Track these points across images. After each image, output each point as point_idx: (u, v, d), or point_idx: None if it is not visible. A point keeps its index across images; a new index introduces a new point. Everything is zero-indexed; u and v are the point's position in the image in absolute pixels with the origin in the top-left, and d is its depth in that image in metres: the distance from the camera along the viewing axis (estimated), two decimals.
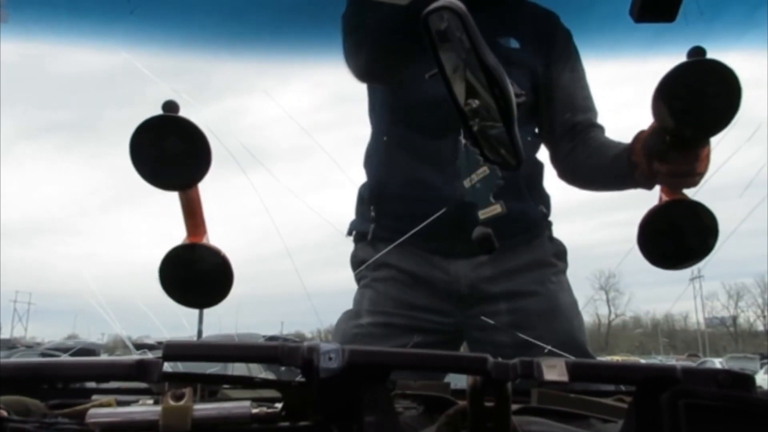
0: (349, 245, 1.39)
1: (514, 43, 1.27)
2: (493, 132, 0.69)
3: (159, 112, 0.78)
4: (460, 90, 0.67)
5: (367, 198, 1.35)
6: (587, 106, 1.35)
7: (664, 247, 0.87)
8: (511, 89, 0.63)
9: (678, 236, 0.86)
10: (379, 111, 1.36)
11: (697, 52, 0.76)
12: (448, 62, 0.66)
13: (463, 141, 1.13)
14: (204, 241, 0.85)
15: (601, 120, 1.36)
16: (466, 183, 1.16)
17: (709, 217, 0.83)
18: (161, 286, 0.83)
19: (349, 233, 1.40)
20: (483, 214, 1.13)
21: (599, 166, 1.24)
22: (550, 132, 1.34)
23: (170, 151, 0.79)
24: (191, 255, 0.84)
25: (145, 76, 0.90)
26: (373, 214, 1.32)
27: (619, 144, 1.20)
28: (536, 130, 1.36)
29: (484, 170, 1.14)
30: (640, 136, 1.03)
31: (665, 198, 0.89)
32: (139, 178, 0.78)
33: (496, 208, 1.11)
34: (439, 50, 0.65)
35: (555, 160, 1.37)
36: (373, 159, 1.37)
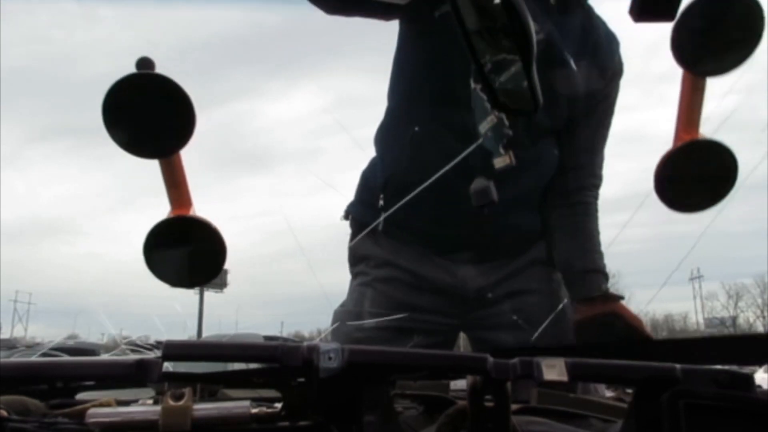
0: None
1: (573, 63, 1.21)
2: (508, 75, 0.64)
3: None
4: (473, 24, 0.61)
5: (379, 186, 1.26)
6: (597, 148, 1.33)
7: (684, 191, 0.83)
8: (532, 23, 0.58)
9: (697, 177, 0.82)
10: (410, 98, 1.28)
11: None
12: None
13: (473, 85, 1.09)
14: (191, 213, 0.78)
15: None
16: (481, 128, 1.13)
17: (726, 154, 0.79)
18: (148, 266, 0.76)
19: (346, 217, 1.35)
20: (497, 163, 1.11)
21: (563, 262, 1.29)
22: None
23: (148, 114, 0.71)
24: (179, 228, 0.77)
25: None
26: (381, 203, 1.25)
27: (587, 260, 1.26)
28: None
29: (492, 119, 1.10)
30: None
31: (680, 139, 0.84)
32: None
33: (506, 159, 1.08)
34: None
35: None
36: (394, 147, 1.27)
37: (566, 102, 1.23)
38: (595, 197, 1.32)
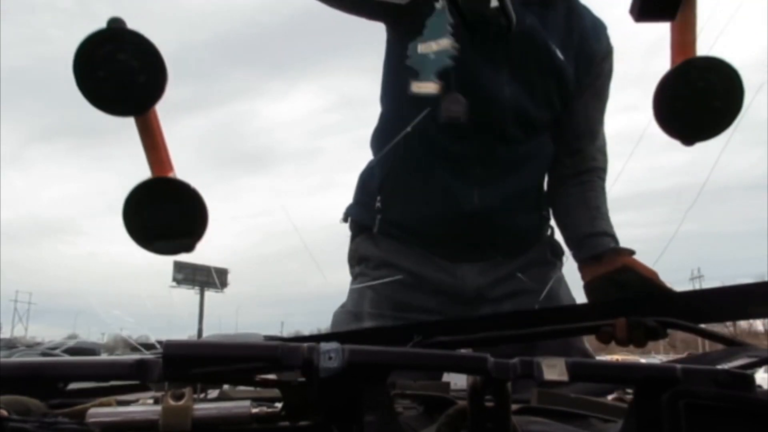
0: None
1: (560, 53, 1.22)
2: None
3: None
4: None
5: (376, 187, 1.28)
6: (594, 132, 1.33)
7: (687, 118, 0.75)
8: None
9: (700, 100, 0.74)
10: (401, 100, 1.26)
11: None
12: None
13: (438, 3, 1.05)
14: (171, 175, 0.76)
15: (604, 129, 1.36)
16: (421, 47, 1.08)
17: (728, 70, 0.72)
18: (128, 232, 0.74)
19: (345, 219, 1.36)
20: (417, 87, 1.07)
21: (566, 228, 1.32)
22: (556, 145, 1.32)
23: (118, 70, 0.69)
24: (159, 191, 0.75)
25: None
26: (379, 205, 1.27)
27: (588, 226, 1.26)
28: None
29: (446, 43, 1.06)
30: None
31: (674, 61, 0.75)
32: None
33: (431, 87, 1.04)
34: None
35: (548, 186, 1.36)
36: (390, 148, 1.27)
37: (556, 92, 1.24)
38: (601, 178, 1.32)
